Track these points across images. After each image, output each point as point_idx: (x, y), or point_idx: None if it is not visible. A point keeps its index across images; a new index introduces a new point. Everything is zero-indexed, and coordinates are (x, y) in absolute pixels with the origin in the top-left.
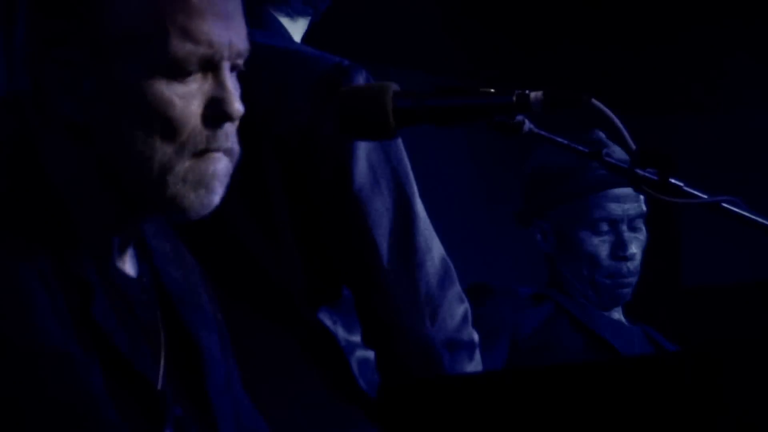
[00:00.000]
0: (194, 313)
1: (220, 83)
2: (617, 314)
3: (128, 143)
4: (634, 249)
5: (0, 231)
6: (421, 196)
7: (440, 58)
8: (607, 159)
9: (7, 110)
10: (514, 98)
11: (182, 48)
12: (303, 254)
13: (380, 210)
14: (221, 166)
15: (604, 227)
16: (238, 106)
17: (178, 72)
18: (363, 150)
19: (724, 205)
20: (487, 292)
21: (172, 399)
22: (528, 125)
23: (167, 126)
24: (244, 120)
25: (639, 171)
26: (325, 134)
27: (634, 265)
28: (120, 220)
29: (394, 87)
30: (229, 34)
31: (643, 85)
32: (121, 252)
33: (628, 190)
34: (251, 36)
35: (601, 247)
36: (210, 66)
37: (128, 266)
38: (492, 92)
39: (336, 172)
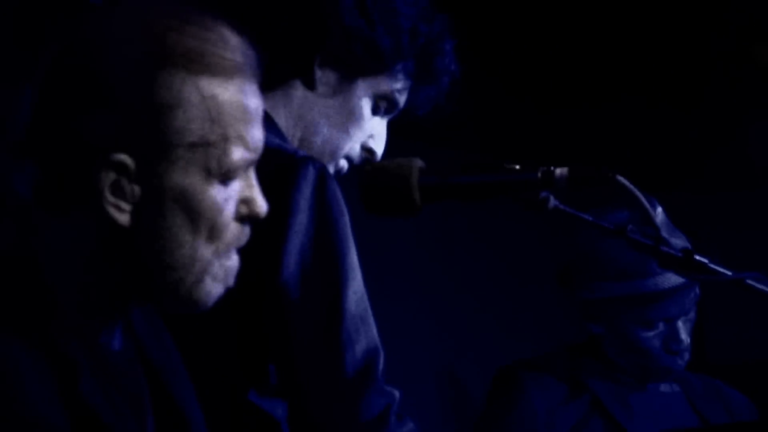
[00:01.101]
0: (177, 383)
1: (250, 184)
2: (665, 386)
3: (172, 245)
4: (686, 337)
5: None
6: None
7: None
8: (632, 236)
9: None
10: (539, 175)
11: (239, 154)
12: (239, 334)
13: (304, 303)
14: (237, 262)
15: (660, 325)
16: (264, 205)
17: (229, 176)
18: (296, 242)
19: (749, 281)
20: (517, 384)
21: None
22: (553, 201)
23: (213, 229)
24: None
25: (664, 248)
26: (263, 223)
27: (686, 352)
28: (115, 307)
29: (419, 163)
30: (262, 137)
31: (665, 163)
32: (109, 329)
33: (685, 283)
34: None
35: (655, 340)
36: (246, 171)
37: (114, 341)
38: (517, 169)
39: (267, 262)
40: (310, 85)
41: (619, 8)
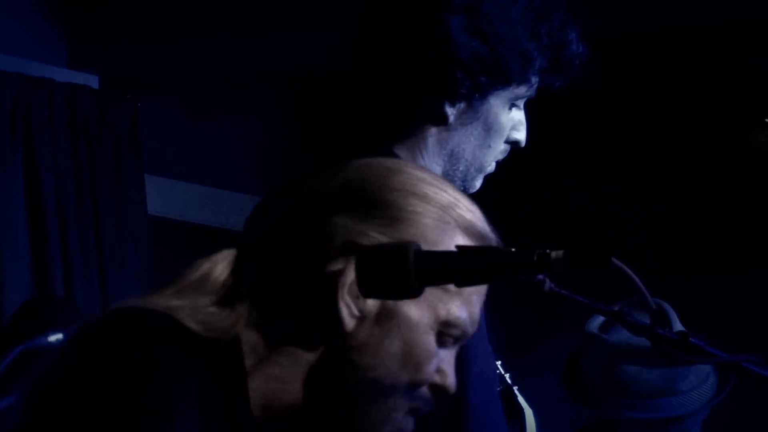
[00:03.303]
0: None
1: (451, 361)
2: None
3: (382, 368)
4: None
5: (184, 373)
6: None
7: None
8: (628, 319)
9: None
10: (535, 257)
11: (462, 315)
12: None
13: None
14: (412, 428)
15: None
16: (454, 385)
17: (446, 334)
18: None
19: (744, 364)
20: None
21: None
22: (549, 284)
23: (417, 373)
24: None
25: (659, 330)
26: None
27: None
28: (295, 419)
29: (414, 246)
30: (476, 325)
31: (662, 247)
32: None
33: (704, 404)
34: None
35: None
36: (455, 343)
37: None
38: (513, 252)
39: None
40: (443, 122)
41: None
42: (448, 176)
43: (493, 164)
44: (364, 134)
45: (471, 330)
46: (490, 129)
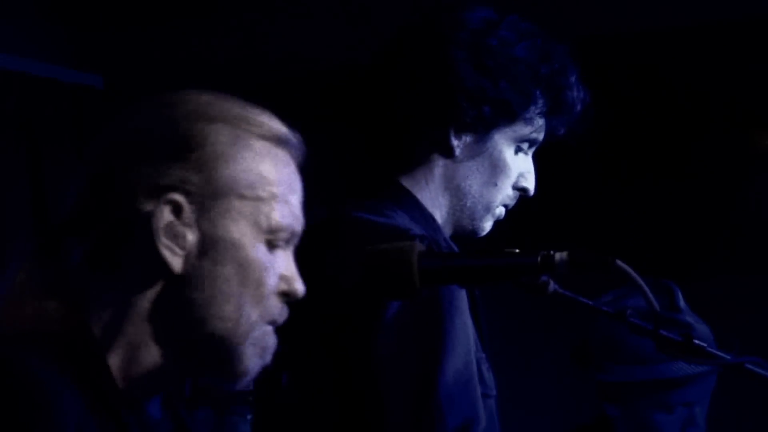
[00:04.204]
0: None
1: (290, 262)
2: None
3: (222, 296)
4: (703, 423)
5: (46, 371)
6: None
7: None
8: (632, 320)
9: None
10: (539, 259)
11: (284, 218)
12: (339, 401)
13: (398, 380)
14: (275, 341)
15: (680, 410)
16: (302, 288)
17: (274, 239)
18: (394, 317)
19: (748, 366)
20: None
21: None
22: (552, 286)
23: (259, 289)
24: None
25: (663, 332)
26: (360, 298)
27: None
28: (160, 373)
29: (419, 247)
30: (303, 217)
31: (663, 247)
32: (151, 397)
33: (709, 368)
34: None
35: (673, 425)
36: (287, 244)
37: (154, 409)
38: (517, 253)
39: (365, 329)
40: (449, 154)
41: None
42: (455, 213)
43: (502, 209)
44: (370, 162)
45: (299, 226)
46: (496, 167)
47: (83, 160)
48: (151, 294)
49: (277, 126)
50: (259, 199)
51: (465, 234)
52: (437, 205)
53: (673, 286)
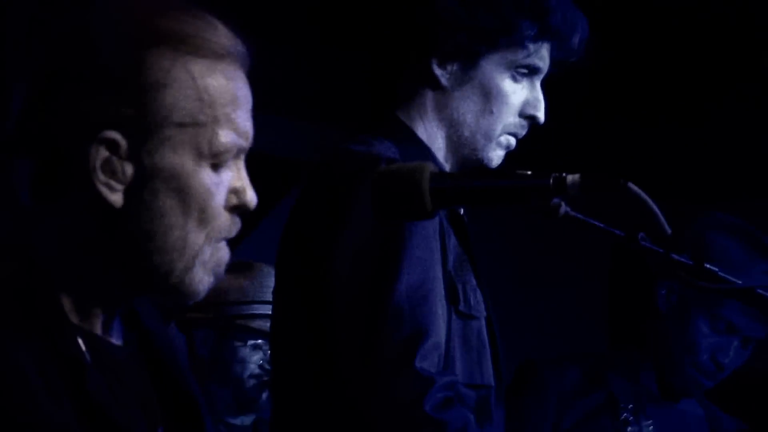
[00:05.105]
0: (185, 377)
1: (240, 174)
2: (689, 406)
3: (164, 227)
4: (732, 362)
5: None
6: None
7: None
8: (644, 243)
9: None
10: (551, 181)
11: (229, 138)
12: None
13: (353, 294)
14: (228, 253)
15: (722, 328)
16: (254, 197)
17: (219, 161)
18: (356, 229)
19: (760, 291)
20: (533, 370)
21: None
22: (564, 208)
23: (204, 213)
24: None
25: (674, 256)
26: (328, 215)
27: (721, 375)
28: (113, 299)
29: (431, 167)
30: (252, 127)
31: (678, 172)
32: (108, 323)
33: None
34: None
35: (708, 340)
36: (236, 158)
37: (113, 334)
38: (528, 175)
39: (325, 246)
40: (436, 85)
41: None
42: (455, 144)
43: (510, 138)
44: (372, 97)
45: (247, 141)
46: (488, 94)
47: (20, 75)
48: (94, 227)
49: (221, 39)
50: (199, 124)
51: (474, 166)
52: (435, 138)
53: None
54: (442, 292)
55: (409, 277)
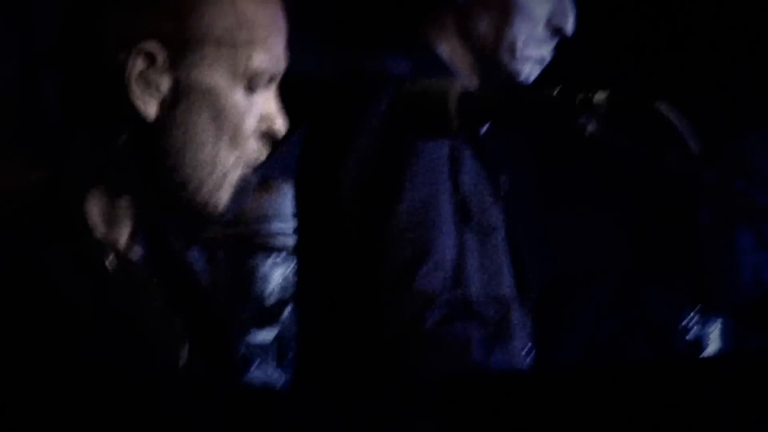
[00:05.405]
0: (206, 291)
1: (271, 101)
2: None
3: (196, 144)
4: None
5: (18, 229)
6: None
7: None
8: (669, 164)
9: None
10: (578, 100)
11: (263, 61)
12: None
13: (356, 215)
14: (255, 178)
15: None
16: (284, 124)
17: (253, 84)
18: (363, 146)
19: None
20: (564, 290)
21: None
22: (591, 127)
23: (235, 134)
24: None
25: (700, 174)
26: (336, 133)
27: (760, 293)
28: (140, 214)
29: (458, 85)
30: (286, 55)
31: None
32: (134, 238)
33: None
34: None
35: (749, 256)
36: (269, 84)
37: (139, 251)
38: (556, 93)
39: (332, 165)
40: (453, 3)
41: None
42: (479, 61)
43: (540, 51)
44: (398, 16)
45: (280, 67)
46: (506, 7)
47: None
48: (124, 141)
49: None
50: (236, 44)
51: (503, 82)
52: (458, 56)
53: None
54: (450, 212)
55: (412, 198)
